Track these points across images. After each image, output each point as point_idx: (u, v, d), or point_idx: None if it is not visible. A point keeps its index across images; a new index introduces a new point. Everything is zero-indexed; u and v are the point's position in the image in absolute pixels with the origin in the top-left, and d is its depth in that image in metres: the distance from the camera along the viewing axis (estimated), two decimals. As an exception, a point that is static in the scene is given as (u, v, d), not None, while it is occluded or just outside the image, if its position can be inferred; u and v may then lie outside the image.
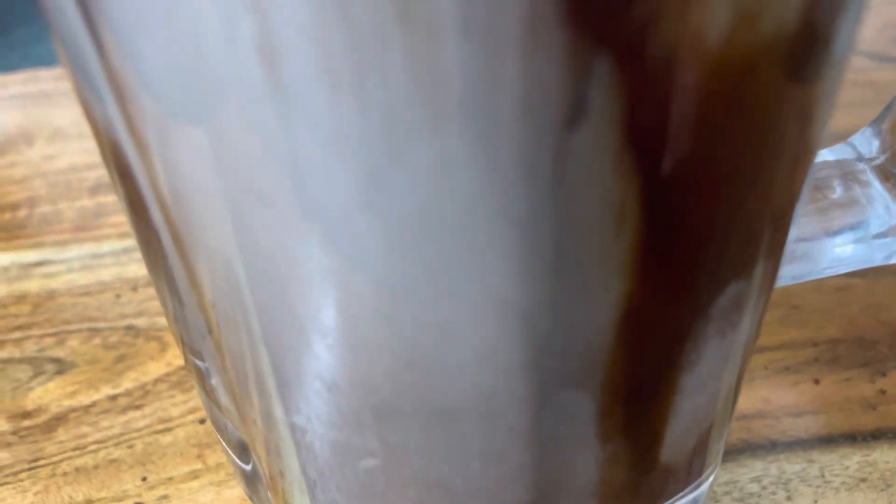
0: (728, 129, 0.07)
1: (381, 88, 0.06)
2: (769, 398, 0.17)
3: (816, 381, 0.18)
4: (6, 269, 0.21)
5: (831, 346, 0.18)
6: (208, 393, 0.14)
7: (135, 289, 0.20)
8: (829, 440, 0.17)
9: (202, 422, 0.18)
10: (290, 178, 0.07)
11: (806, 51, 0.07)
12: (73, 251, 0.21)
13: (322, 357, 0.09)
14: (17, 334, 0.20)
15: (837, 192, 0.14)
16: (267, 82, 0.07)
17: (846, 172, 0.14)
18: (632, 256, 0.08)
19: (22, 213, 0.22)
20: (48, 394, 0.18)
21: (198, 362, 0.13)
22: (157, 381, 0.18)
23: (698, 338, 0.09)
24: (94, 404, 0.18)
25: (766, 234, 0.09)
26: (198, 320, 0.11)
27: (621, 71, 0.07)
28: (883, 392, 0.17)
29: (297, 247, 0.08)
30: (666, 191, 0.08)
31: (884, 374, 0.18)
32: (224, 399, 0.14)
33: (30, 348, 0.19)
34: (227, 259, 0.09)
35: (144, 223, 0.10)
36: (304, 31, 0.06)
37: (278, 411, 0.11)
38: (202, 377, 0.14)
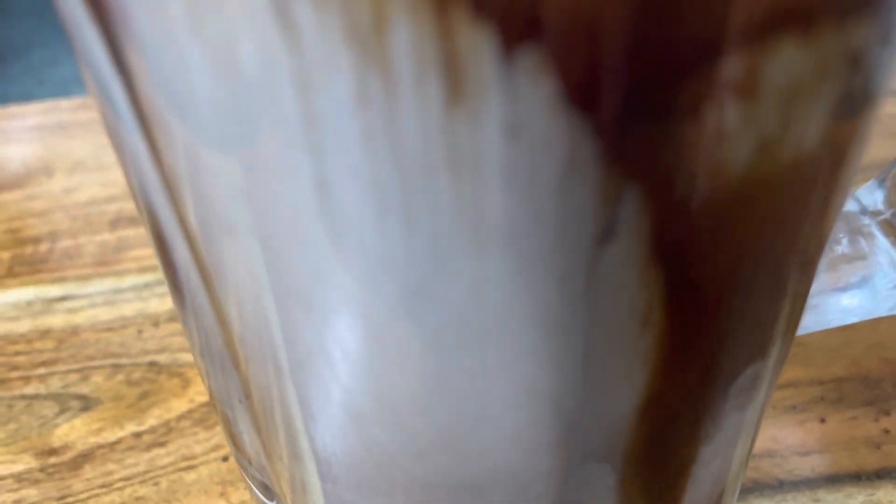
0: (749, 238, 0.08)
1: (427, 218, 0.07)
2: (777, 437, 0.18)
3: (822, 420, 0.18)
4: (30, 303, 0.22)
5: (836, 385, 0.19)
6: (233, 432, 0.15)
7: (156, 324, 0.21)
8: (834, 479, 0.17)
9: (225, 459, 0.18)
10: (334, 287, 0.08)
11: (826, 166, 0.08)
12: (95, 286, 0.22)
13: (353, 434, 0.10)
14: (43, 370, 0.20)
15: (844, 246, 0.15)
16: (319, 208, 0.07)
17: (852, 227, 0.15)
18: (655, 352, 0.08)
19: (44, 246, 0.23)
20: (74, 430, 0.19)
21: (222, 397, 0.14)
22: (180, 417, 0.19)
23: (717, 414, 0.10)
24: (119, 441, 0.19)
25: (785, 317, 0.10)
26: (224, 355, 0.12)
27: (649, 198, 0.07)
28: (887, 431, 0.18)
29: (335, 340, 0.09)
30: (689, 296, 0.08)
31: (887, 414, 0.18)
32: (249, 435, 0.14)
33: (55, 384, 0.20)
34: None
35: (171, 256, 0.10)
36: (356, 171, 0.07)
37: (305, 448, 0.12)
38: (226, 413, 0.14)
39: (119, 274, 0.22)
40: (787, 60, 0.06)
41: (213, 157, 0.07)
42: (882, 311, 0.15)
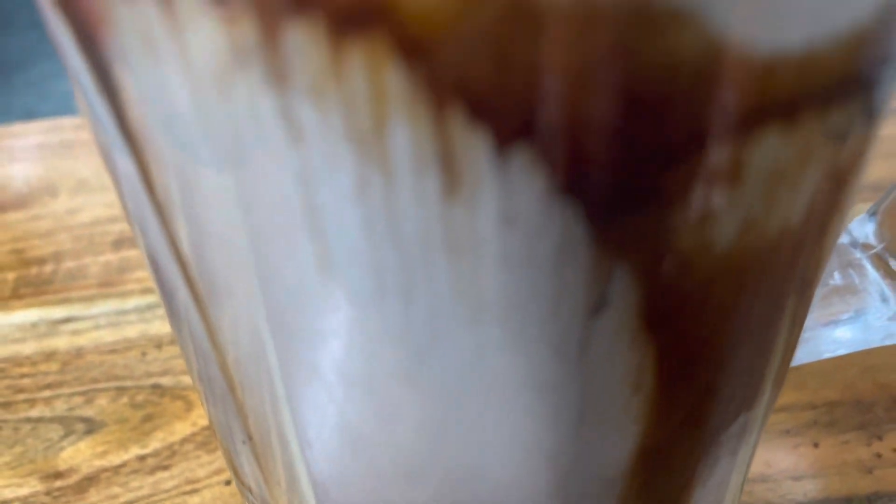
0: (737, 303, 0.08)
1: (425, 295, 0.07)
2: (770, 461, 0.18)
3: (815, 445, 0.18)
4: (35, 325, 0.22)
5: (829, 409, 0.19)
6: (233, 461, 0.15)
7: (159, 346, 0.21)
8: (827, 504, 0.17)
9: (228, 483, 0.18)
10: (335, 352, 0.08)
11: (813, 231, 0.08)
12: (99, 307, 0.22)
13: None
14: (48, 392, 0.20)
15: (836, 280, 0.15)
16: (319, 281, 0.07)
17: (844, 260, 0.15)
18: (647, 410, 0.09)
19: (48, 267, 0.23)
20: (79, 454, 0.19)
21: (221, 424, 0.14)
22: (183, 441, 0.19)
23: (710, 460, 0.10)
24: (123, 464, 0.19)
25: (775, 368, 0.10)
26: (220, 380, 0.12)
27: (638, 274, 0.07)
28: (879, 456, 0.18)
29: (333, 401, 0.09)
30: (678, 359, 0.08)
31: (880, 438, 0.18)
32: (247, 459, 0.14)
33: (60, 407, 0.20)
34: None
35: (165, 280, 0.11)
36: (357, 253, 0.07)
37: (302, 474, 0.12)
38: (226, 441, 0.14)
39: (122, 295, 0.22)
40: (772, 148, 0.07)
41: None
42: (875, 342, 0.15)
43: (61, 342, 0.21)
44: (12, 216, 0.25)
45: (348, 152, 0.06)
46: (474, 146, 0.06)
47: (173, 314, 0.12)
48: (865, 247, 0.15)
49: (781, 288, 0.09)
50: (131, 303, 0.22)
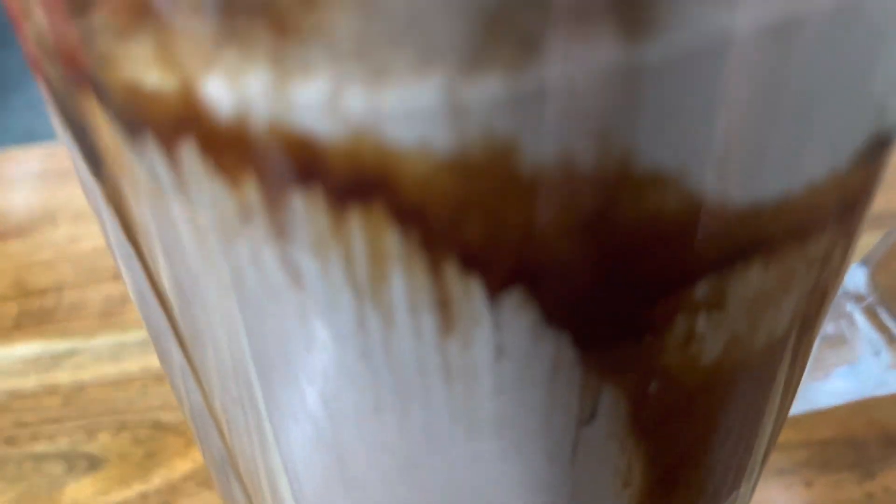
0: (724, 404, 0.08)
1: (421, 413, 0.07)
2: (763, 502, 0.18)
3: (808, 484, 0.19)
4: (37, 358, 0.22)
5: (823, 448, 0.19)
6: (225, 493, 0.15)
7: (160, 380, 0.21)
8: (818, 544, 0.18)
9: (229, 521, 0.19)
10: (331, 457, 0.08)
11: (796, 339, 0.08)
12: (101, 340, 0.22)
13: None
14: (51, 428, 0.21)
15: (829, 332, 0.15)
16: (314, 395, 0.08)
17: (836, 313, 0.15)
18: (637, 501, 0.09)
19: (50, 298, 0.23)
20: (82, 490, 0.19)
21: (215, 464, 0.14)
22: (184, 478, 0.19)
23: (696, 537, 0.11)
24: (126, 502, 0.19)
25: (763, 448, 0.10)
26: (209, 423, 0.12)
27: (627, 390, 0.08)
28: (870, 495, 0.18)
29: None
30: (667, 457, 0.09)
31: (872, 477, 0.19)
32: (241, 499, 0.15)
33: (63, 442, 0.20)
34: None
35: (149, 317, 0.11)
36: (353, 376, 0.07)
37: None
38: (219, 476, 0.15)
39: (123, 327, 0.23)
40: (753, 278, 0.07)
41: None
42: (867, 391, 0.15)
43: (63, 376, 0.22)
44: (13, 245, 0.25)
45: (347, 297, 0.06)
46: (468, 292, 0.06)
47: (162, 356, 0.12)
48: (857, 298, 0.15)
49: (768, 385, 0.09)
50: (131, 336, 0.22)
